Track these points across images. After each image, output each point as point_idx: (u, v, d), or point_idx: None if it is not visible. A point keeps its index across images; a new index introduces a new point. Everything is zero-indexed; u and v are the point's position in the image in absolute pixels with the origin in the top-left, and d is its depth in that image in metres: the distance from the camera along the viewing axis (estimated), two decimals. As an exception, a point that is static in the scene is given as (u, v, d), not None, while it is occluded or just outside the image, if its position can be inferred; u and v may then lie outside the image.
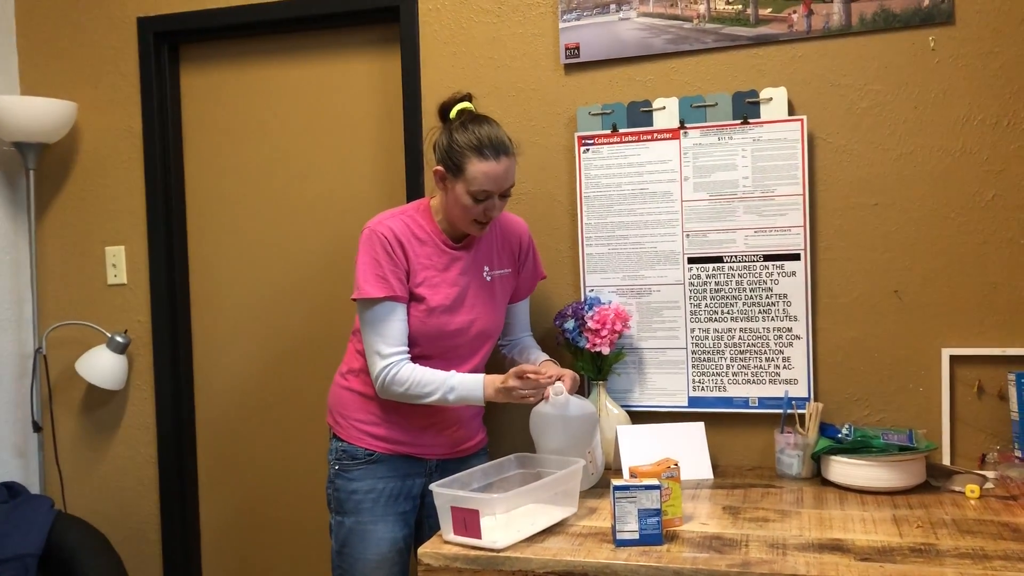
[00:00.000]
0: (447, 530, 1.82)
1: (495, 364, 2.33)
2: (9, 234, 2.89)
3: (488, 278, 2.17)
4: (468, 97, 2.11)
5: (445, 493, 1.81)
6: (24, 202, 2.93)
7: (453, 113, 2.08)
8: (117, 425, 2.91)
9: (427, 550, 1.78)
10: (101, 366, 2.76)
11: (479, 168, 1.98)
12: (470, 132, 2.00)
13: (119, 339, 2.78)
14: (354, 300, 2.06)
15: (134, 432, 2.89)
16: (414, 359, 2.09)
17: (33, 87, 2.92)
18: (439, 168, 2.05)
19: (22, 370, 2.92)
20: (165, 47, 2.83)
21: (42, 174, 2.92)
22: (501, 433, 2.52)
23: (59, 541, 2.49)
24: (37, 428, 2.88)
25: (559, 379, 2.05)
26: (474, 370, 2.19)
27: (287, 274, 2.82)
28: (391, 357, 2.03)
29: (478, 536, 1.76)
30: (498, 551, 1.75)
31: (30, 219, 2.84)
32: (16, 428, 2.90)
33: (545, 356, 2.27)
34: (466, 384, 2.02)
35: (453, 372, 2.05)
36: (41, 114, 2.70)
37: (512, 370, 2.01)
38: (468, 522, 1.77)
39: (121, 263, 2.87)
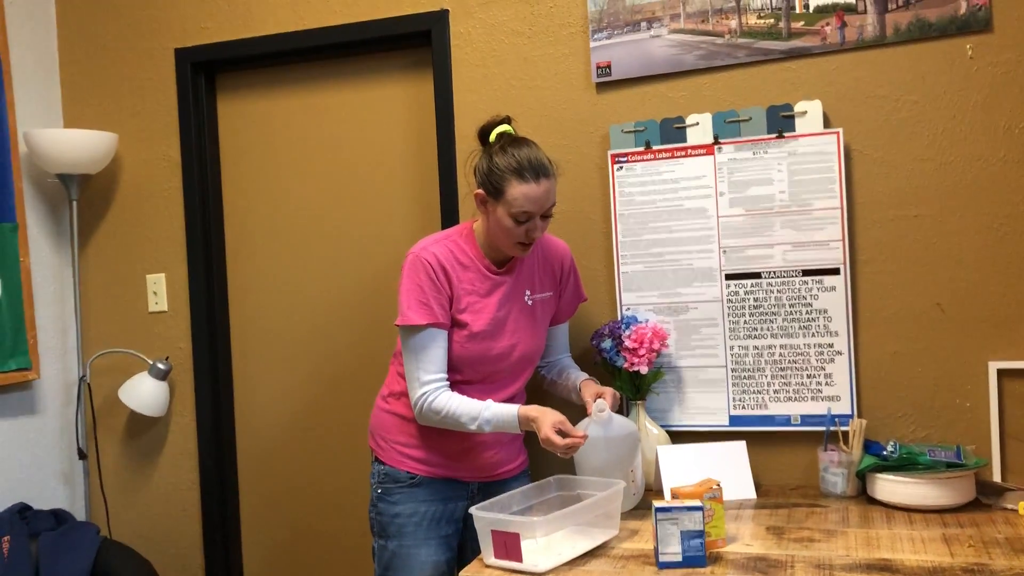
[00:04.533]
0: (488, 554, 1.81)
1: (534, 386, 2.32)
2: (54, 264, 2.95)
3: (530, 302, 2.17)
4: (507, 120, 2.11)
5: (485, 516, 1.80)
6: (68, 232, 2.99)
7: (493, 136, 2.08)
8: (160, 451, 2.94)
9: (468, 574, 1.78)
10: (143, 393, 2.80)
11: (519, 190, 1.98)
12: (509, 155, 2.00)
13: (161, 366, 2.82)
14: (397, 326, 2.07)
15: (176, 458, 2.92)
16: (457, 385, 2.10)
17: (75, 120, 2.99)
18: (480, 192, 2.05)
19: (67, 398, 2.97)
20: (202, 77, 2.88)
21: (85, 204, 2.98)
22: (541, 455, 2.50)
23: (105, 568, 2.52)
24: (82, 455, 2.92)
25: (600, 396, 2.05)
26: (515, 394, 2.19)
27: (325, 298, 2.84)
28: (429, 384, 2.03)
29: (519, 560, 1.75)
30: (539, 575, 1.73)
31: (73, 249, 2.90)
32: (62, 455, 2.95)
33: (585, 375, 2.26)
34: (500, 416, 2.01)
35: (489, 402, 2.03)
36: (83, 146, 2.75)
37: (552, 423, 1.95)
38: (509, 546, 1.76)
39: (162, 290, 2.92)
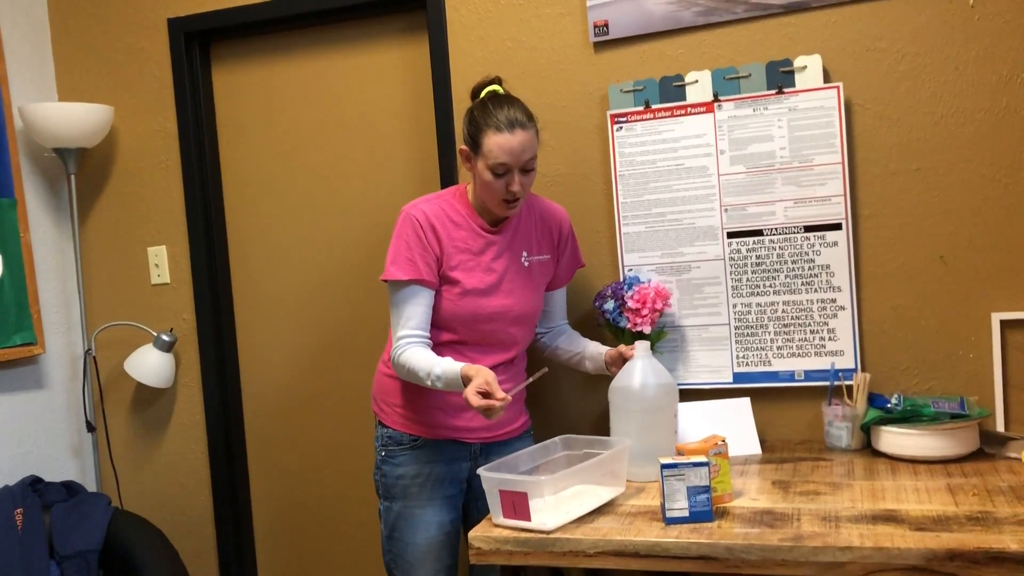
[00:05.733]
0: (496, 513, 1.83)
1: (534, 355, 2.34)
2: (54, 239, 2.95)
3: (526, 263, 2.17)
4: (497, 80, 2.13)
5: (493, 477, 1.82)
6: (67, 207, 2.98)
7: (482, 95, 2.10)
8: (167, 422, 2.96)
9: (477, 534, 1.79)
10: (149, 365, 2.81)
11: (494, 140, 1.99)
12: (487, 108, 2.03)
13: (165, 338, 2.83)
14: (383, 281, 2.08)
15: (184, 428, 2.94)
16: (452, 345, 2.11)
17: (70, 93, 2.97)
18: (463, 147, 2.08)
19: (73, 372, 2.98)
20: (196, 46, 2.86)
21: (83, 178, 2.97)
22: (546, 415, 2.52)
23: (117, 537, 2.55)
24: (91, 428, 2.94)
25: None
26: (515, 357, 2.21)
27: (327, 264, 2.84)
28: (403, 339, 2.05)
29: (527, 518, 1.77)
30: (548, 533, 1.75)
31: (73, 223, 2.89)
32: (71, 429, 2.97)
33: (603, 347, 2.26)
34: (448, 373, 1.96)
35: (446, 359, 1.98)
36: (79, 119, 2.74)
37: (477, 384, 1.87)
38: (517, 505, 1.78)
39: (163, 263, 2.92)
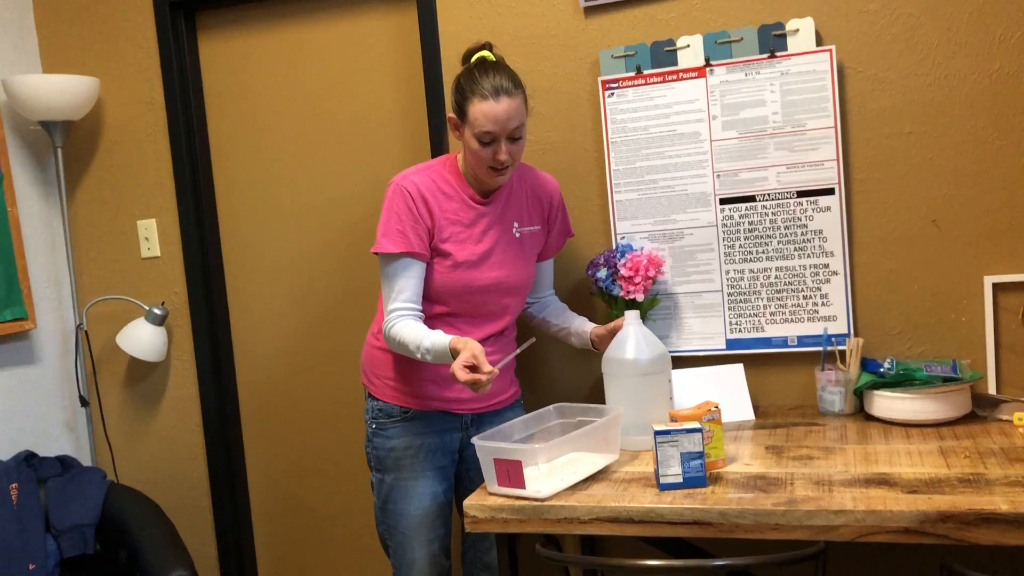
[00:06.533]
0: (491, 482, 1.83)
1: (520, 323, 2.33)
2: (43, 213, 2.92)
3: (517, 235, 2.16)
4: (488, 45, 2.11)
5: (487, 445, 1.82)
6: (55, 181, 2.95)
7: (472, 62, 2.07)
8: (161, 396, 2.95)
9: (472, 502, 1.80)
10: (141, 339, 2.80)
11: (479, 108, 1.97)
12: (473, 76, 2.00)
13: (157, 311, 2.82)
14: (374, 254, 2.07)
15: (178, 402, 2.94)
16: (443, 318, 2.10)
17: (54, 65, 2.93)
18: (451, 116, 2.05)
19: (66, 347, 2.97)
20: (181, 16, 2.82)
21: (70, 151, 2.94)
22: (537, 385, 2.52)
23: (113, 511, 2.55)
24: (84, 403, 2.94)
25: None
26: (505, 328, 2.20)
27: (317, 234, 2.83)
28: (394, 312, 2.04)
29: (522, 486, 1.78)
30: (542, 500, 1.76)
31: (61, 197, 2.87)
32: (64, 404, 2.96)
33: (589, 323, 2.26)
34: (437, 346, 1.94)
35: (436, 332, 1.97)
36: (64, 91, 2.70)
37: (464, 358, 1.84)
38: (511, 473, 1.78)
39: (153, 236, 2.90)
